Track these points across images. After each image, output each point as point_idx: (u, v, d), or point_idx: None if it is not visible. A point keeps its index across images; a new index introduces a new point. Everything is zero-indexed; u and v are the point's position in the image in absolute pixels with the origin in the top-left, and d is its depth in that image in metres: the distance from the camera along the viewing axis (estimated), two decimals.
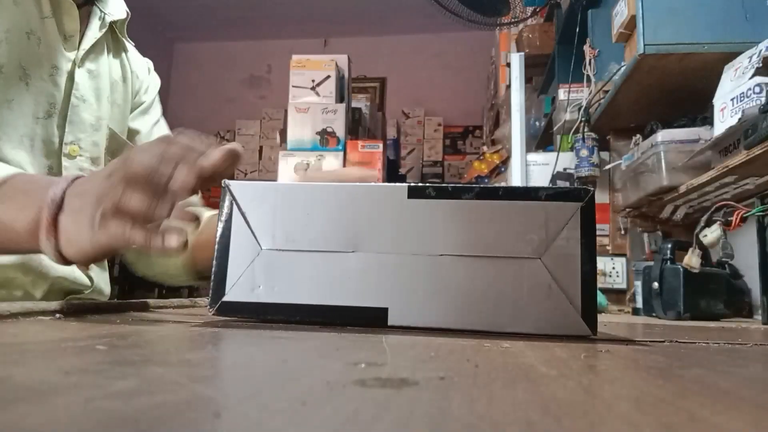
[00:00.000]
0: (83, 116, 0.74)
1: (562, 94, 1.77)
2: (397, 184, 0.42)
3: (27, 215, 0.48)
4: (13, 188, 0.52)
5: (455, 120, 4.39)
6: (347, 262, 0.40)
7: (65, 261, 0.47)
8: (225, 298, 0.41)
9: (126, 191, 0.44)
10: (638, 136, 1.34)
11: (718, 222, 0.88)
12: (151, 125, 0.88)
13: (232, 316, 0.41)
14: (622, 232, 1.65)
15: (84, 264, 0.48)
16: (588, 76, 1.61)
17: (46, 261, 0.70)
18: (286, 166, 2.36)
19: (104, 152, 0.78)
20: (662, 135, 1.18)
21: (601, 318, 0.87)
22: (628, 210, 1.51)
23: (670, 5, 1.13)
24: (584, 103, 1.59)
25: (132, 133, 0.85)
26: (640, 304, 1.08)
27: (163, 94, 0.94)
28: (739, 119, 0.89)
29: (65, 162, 0.72)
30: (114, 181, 0.44)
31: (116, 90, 0.82)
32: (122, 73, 0.83)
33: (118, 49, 0.83)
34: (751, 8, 1.10)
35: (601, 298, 1.15)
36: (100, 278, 0.79)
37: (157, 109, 0.91)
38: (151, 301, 0.49)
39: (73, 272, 0.73)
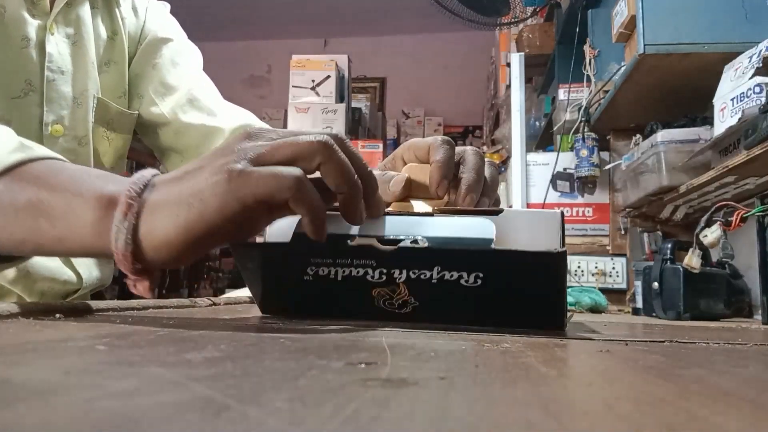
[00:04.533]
0: (63, 90, 0.67)
1: (562, 94, 1.77)
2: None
3: (88, 199, 0.35)
4: (58, 171, 0.38)
5: (455, 120, 4.39)
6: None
7: (134, 261, 0.34)
8: None
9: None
10: (638, 136, 1.34)
11: (718, 222, 0.88)
12: (170, 60, 0.79)
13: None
14: (622, 232, 1.65)
15: (164, 264, 0.35)
16: (588, 76, 1.61)
17: (34, 265, 0.65)
18: None
19: (92, 126, 0.71)
20: (662, 135, 1.18)
21: (601, 318, 0.87)
22: (628, 210, 1.51)
23: (670, 5, 1.13)
24: (584, 103, 1.59)
25: (143, 79, 0.77)
26: (640, 304, 1.08)
27: None
28: (739, 119, 0.89)
29: (48, 145, 0.65)
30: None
31: (108, 49, 0.74)
32: (113, 27, 0.75)
33: (107, 1, 0.74)
34: (751, 8, 1.10)
35: (601, 298, 1.15)
36: (92, 270, 0.74)
37: (173, 41, 0.80)
38: (151, 302, 0.49)
39: (62, 271, 0.69)
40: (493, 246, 0.39)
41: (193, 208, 0.33)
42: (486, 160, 0.52)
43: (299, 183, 0.34)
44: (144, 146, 0.83)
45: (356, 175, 0.37)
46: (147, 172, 0.37)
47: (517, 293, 0.40)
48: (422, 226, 0.41)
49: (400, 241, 0.40)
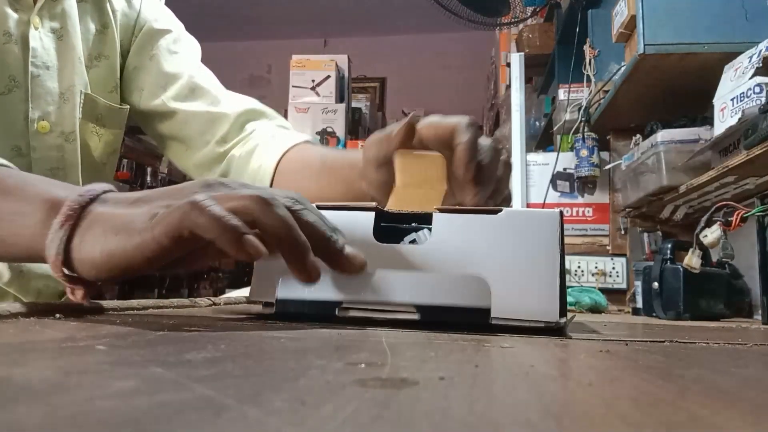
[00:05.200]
0: (48, 86, 0.66)
1: (562, 94, 1.77)
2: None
3: (34, 202, 0.37)
4: (7, 176, 0.40)
5: None
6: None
7: (63, 268, 0.36)
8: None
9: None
10: (638, 136, 1.34)
11: (718, 222, 0.88)
12: (168, 50, 0.78)
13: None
14: (622, 232, 1.65)
15: (89, 278, 0.36)
16: (588, 76, 1.61)
17: (28, 263, 0.65)
18: None
19: (80, 122, 0.70)
20: (662, 135, 1.18)
21: (601, 318, 0.87)
22: (628, 210, 1.51)
23: (670, 5, 1.13)
24: (584, 103, 1.59)
25: (142, 72, 0.76)
26: (640, 304, 1.08)
27: None
28: (739, 119, 0.89)
29: (34, 141, 0.65)
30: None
31: (97, 43, 0.72)
32: (103, 20, 0.73)
33: None
34: (751, 8, 1.10)
35: (600, 298, 1.15)
36: None
37: (170, 32, 0.79)
38: (151, 302, 0.49)
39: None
40: (490, 320, 0.38)
41: (120, 238, 0.34)
42: (501, 151, 0.50)
43: (192, 206, 0.33)
44: (144, 146, 0.82)
45: (295, 231, 0.35)
46: (99, 186, 0.37)
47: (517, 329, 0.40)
48: (414, 289, 0.39)
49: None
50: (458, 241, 0.41)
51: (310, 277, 0.36)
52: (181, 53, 0.80)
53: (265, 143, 0.74)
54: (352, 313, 0.39)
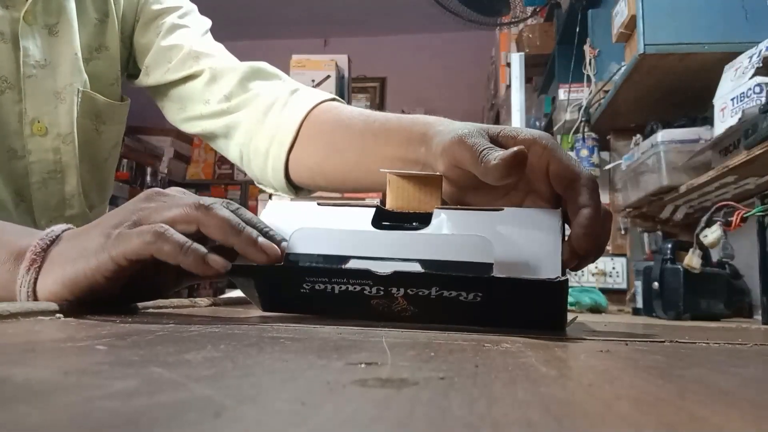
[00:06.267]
0: (43, 86, 0.63)
1: (562, 94, 1.77)
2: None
3: (2, 254, 0.40)
4: None
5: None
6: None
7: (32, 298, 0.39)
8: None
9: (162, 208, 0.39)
10: (638, 136, 1.34)
11: (719, 222, 0.88)
12: (171, 24, 0.73)
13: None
14: (622, 232, 1.65)
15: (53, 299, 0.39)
16: (588, 76, 1.61)
17: None
18: None
19: (79, 121, 0.67)
20: (662, 135, 1.18)
21: (601, 318, 0.87)
22: (628, 210, 1.51)
23: (670, 5, 1.13)
24: (584, 103, 1.59)
25: (150, 51, 0.73)
26: (640, 304, 1.08)
27: None
28: (739, 119, 0.89)
29: (29, 144, 0.63)
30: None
31: (97, 34, 0.69)
32: (104, 9, 0.69)
33: None
34: (751, 8, 1.10)
35: (601, 298, 1.15)
36: None
37: (176, 9, 0.75)
38: (151, 302, 0.49)
39: None
40: (492, 274, 0.37)
41: (78, 265, 0.38)
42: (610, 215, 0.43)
43: (156, 236, 0.37)
44: (144, 146, 0.81)
45: (241, 224, 0.39)
46: (58, 228, 0.41)
47: (517, 308, 0.40)
48: (418, 245, 0.39)
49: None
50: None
51: (267, 255, 0.39)
52: (185, 26, 0.75)
53: (283, 102, 0.68)
54: (357, 264, 0.39)
